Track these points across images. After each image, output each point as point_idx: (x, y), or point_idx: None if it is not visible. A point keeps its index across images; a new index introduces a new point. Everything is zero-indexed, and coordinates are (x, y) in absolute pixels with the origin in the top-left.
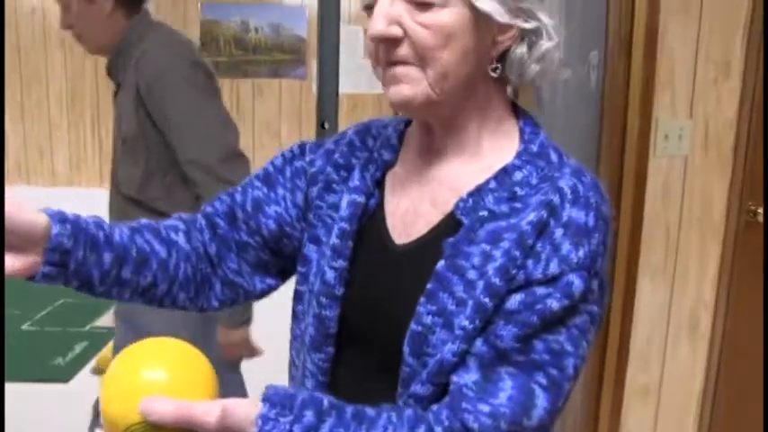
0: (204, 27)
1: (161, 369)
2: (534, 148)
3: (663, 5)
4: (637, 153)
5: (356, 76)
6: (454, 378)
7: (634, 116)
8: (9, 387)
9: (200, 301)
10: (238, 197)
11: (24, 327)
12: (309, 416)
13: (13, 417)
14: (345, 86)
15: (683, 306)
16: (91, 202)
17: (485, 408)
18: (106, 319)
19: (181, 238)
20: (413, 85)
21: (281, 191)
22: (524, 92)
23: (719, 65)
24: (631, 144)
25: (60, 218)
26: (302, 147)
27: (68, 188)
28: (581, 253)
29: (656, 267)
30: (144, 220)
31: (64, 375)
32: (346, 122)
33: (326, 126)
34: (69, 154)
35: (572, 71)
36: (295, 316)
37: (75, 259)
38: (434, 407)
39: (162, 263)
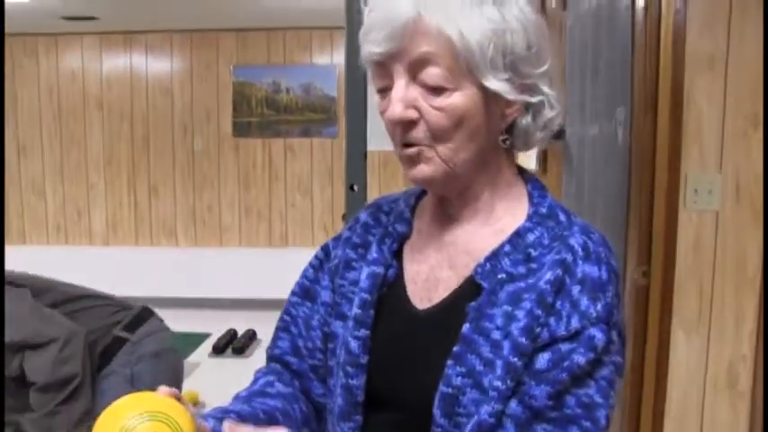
0: (236, 89)
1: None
2: (543, 210)
3: (688, 60)
4: (666, 208)
5: (382, 134)
6: None
7: (662, 171)
8: None
9: (316, 430)
10: (293, 328)
11: None
12: None
13: None
14: (376, 144)
15: (720, 362)
16: (126, 260)
17: None
18: None
19: (280, 387)
20: (428, 163)
21: (319, 299)
22: (553, 150)
23: (748, 117)
24: (660, 199)
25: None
26: (325, 249)
27: (104, 247)
28: (599, 307)
29: (691, 322)
30: (243, 392)
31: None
32: (378, 180)
33: (355, 189)
34: (106, 214)
35: (599, 128)
36: (329, 390)
37: None
38: None
39: (284, 413)
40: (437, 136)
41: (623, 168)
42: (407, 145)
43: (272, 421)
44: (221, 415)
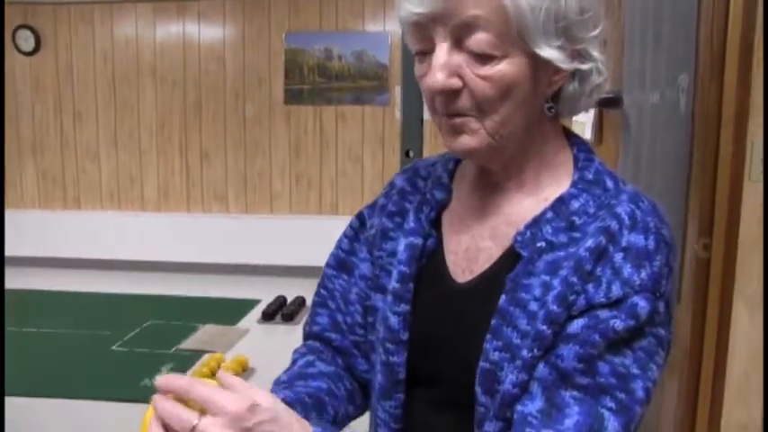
0: (288, 55)
1: None
2: (589, 175)
3: (759, 21)
4: (730, 178)
5: None
6: (519, 407)
7: (727, 140)
8: (100, 405)
9: (361, 406)
10: (331, 303)
11: (114, 347)
12: None
13: None
14: (426, 113)
15: None
16: (177, 226)
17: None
18: (190, 342)
19: (322, 366)
20: (472, 135)
21: (356, 271)
22: (609, 119)
23: None
24: (724, 169)
25: None
26: (360, 218)
27: (157, 213)
28: (643, 275)
29: (754, 298)
30: (282, 376)
31: (151, 396)
32: (430, 149)
33: (411, 154)
34: (158, 180)
35: (660, 96)
36: (372, 366)
37: None
38: None
39: (329, 393)
40: (482, 107)
41: (685, 137)
42: (450, 115)
43: (318, 404)
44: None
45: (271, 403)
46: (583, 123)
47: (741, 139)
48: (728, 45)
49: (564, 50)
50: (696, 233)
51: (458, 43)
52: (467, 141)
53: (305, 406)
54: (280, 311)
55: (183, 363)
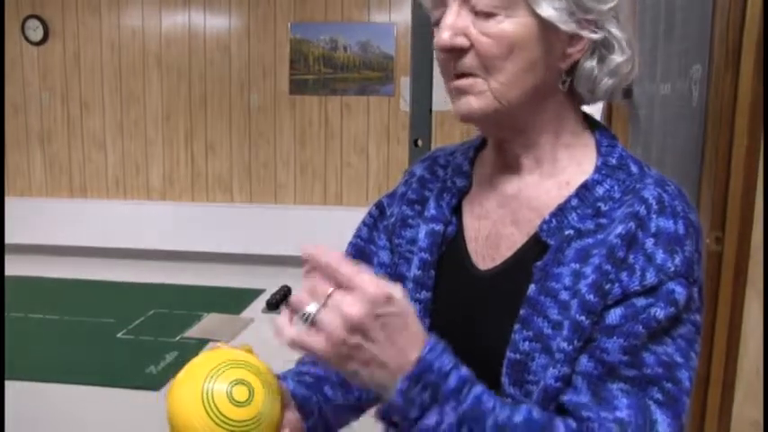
0: (293, 46)
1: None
2: (613, 160)
3: None
4: (744, 171)
5: (445, 94)
6: (565, 399)
7: (741, 132)
8: (105, 392)
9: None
10: None
11: (119, 335)
12: (466, 371)
13: (107, 420)
14: (434, 104)
15: None
16: (182, 215)
17: (609, 415)
18: (194, 331)
19: None
20: (478, 96)
21: (375, 259)
22: (617, 108)
23: None
24: (738, 162)
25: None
26: (379, 206)
27: (161, 202)
28: (677, 261)
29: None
30: (306, 357)
31: (156, 383)
32: (437, 139)
33: (420, 144)
34: (163, 169)
35: (672, 87)
36: None
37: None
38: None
39: None
40: (487, 65)
41: (698, 130)
42: (458, 76)
43: (345, 383)
44: (297, 378)
45: (405, 301)
46: (590, 114)
47: (756, 132)
48: (745, 35)
49: (571, 15)
50: (708, 226)
51: (466, 3)
52: (471, 102)
53: (332, 384)
54: (284, 301)
55: (188, 351)
